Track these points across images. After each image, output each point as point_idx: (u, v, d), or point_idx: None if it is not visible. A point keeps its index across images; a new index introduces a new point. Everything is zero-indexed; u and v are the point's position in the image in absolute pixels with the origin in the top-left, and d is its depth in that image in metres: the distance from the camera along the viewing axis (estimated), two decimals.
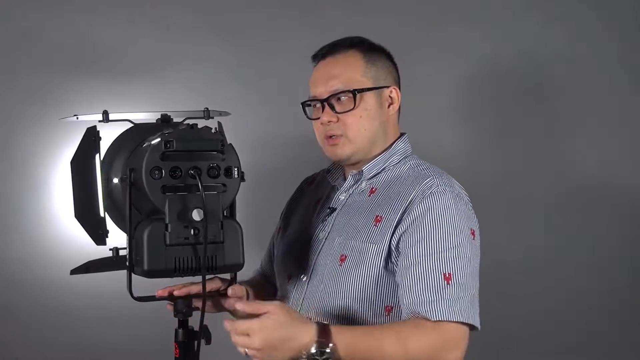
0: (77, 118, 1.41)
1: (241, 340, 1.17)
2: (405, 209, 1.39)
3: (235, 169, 1.27)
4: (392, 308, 1.39)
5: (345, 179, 1.57)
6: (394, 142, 1.53)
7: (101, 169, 1.33)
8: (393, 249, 1.38)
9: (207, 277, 1.31)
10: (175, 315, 1.37)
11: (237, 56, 2.36)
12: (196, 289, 1.38)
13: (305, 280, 1.48)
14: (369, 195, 1.48)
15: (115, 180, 1.33)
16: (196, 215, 1.22)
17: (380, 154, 1.51)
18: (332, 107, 1.47)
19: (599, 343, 2.47)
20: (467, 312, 1.31)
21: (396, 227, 1.38)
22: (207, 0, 2.36)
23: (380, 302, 1.40)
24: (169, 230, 1.22)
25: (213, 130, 1.28)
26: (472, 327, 1.33)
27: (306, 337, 1.18)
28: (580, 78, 2.49)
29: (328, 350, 1.17)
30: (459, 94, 2.47)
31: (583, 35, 2.51)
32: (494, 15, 2.48)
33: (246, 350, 1.17)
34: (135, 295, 1.31)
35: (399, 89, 1.55)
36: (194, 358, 1.36)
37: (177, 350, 1.36)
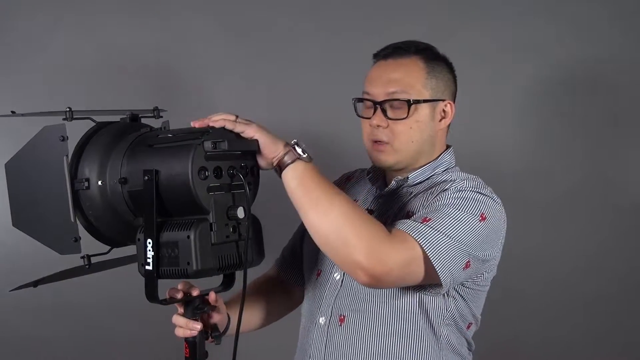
0: (22, 115, 1.36)
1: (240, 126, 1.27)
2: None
3: (255, 168, 1.33)
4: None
5: (385, 182, 1.57)
6: (440, 154, 1.52)
7: (69, 171, 1.29)
8: None
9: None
10: (186, 315, 1.38)
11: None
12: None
13: (340, 279, 1.48)
14: (407, 200, 1.48)
15: (100, 182, 1.32)
16: (241, 212, 1.25)
17: (426, 164, 1.50)
18: (385, 112, 1.46)
19: (594, 343, 2.48)
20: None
21: None
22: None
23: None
24: (215, 229, 1.24)
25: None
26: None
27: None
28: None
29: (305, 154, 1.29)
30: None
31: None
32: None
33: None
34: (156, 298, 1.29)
35: (454, 102, 1.53)
36: (204, 357, 1.38)
37: (187, 350, 1.37)
